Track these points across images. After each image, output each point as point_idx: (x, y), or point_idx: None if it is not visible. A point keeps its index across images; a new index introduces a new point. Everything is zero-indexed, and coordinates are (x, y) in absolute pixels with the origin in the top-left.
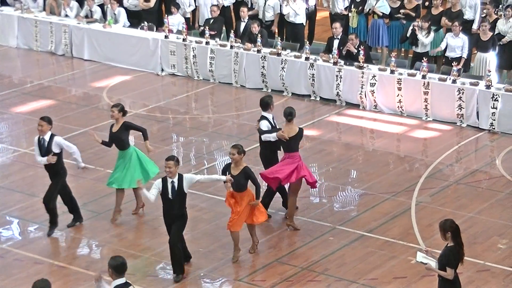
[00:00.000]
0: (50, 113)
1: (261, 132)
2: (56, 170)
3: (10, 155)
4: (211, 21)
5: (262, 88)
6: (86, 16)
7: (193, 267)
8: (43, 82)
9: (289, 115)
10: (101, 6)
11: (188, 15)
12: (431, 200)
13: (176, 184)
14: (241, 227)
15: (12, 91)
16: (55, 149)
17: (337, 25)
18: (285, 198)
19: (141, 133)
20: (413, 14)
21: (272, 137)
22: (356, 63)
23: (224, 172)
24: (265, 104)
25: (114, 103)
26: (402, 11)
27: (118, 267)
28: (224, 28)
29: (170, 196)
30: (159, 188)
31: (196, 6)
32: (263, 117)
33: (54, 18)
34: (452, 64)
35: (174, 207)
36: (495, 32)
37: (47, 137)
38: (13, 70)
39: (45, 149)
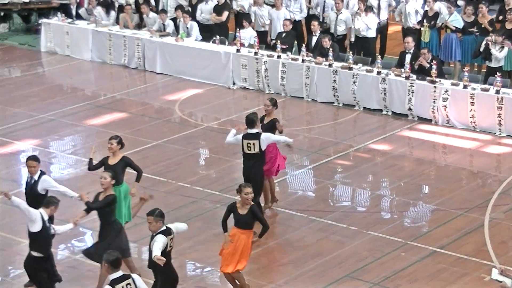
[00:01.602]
0: (122, 126)
1: (289, 141)
2: None
3: (83, 167)
4: (283, 35)
5: (334, 102)
6: (159, 30)
7: (265, 281)
8: (116, 95)
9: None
10: (174, 20)
11: (266, 28)
12: (504, 216)
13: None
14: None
15: (86, 104)
16: (41, 191)
17: (409, 39)
18: None
19: (136, 172)
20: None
21: (291, 141)
22: (428, 78)
23: (228, 211)
24: (251, 121)
25: (112, 135)
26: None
27: (113, 262)
28: (295, 42)
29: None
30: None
31: (269, 20)
32: (258, 134)
33: (128, 31)
34: None
35: (149, 262)
36: None
37: (36, 176)
38: (87, 83)
39: (30, 190)
